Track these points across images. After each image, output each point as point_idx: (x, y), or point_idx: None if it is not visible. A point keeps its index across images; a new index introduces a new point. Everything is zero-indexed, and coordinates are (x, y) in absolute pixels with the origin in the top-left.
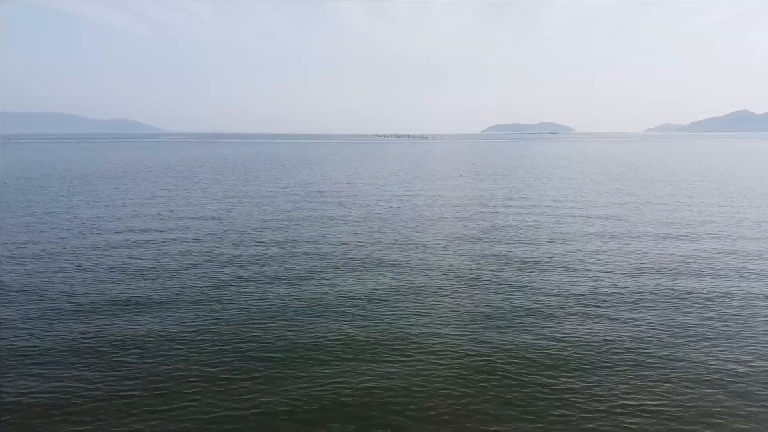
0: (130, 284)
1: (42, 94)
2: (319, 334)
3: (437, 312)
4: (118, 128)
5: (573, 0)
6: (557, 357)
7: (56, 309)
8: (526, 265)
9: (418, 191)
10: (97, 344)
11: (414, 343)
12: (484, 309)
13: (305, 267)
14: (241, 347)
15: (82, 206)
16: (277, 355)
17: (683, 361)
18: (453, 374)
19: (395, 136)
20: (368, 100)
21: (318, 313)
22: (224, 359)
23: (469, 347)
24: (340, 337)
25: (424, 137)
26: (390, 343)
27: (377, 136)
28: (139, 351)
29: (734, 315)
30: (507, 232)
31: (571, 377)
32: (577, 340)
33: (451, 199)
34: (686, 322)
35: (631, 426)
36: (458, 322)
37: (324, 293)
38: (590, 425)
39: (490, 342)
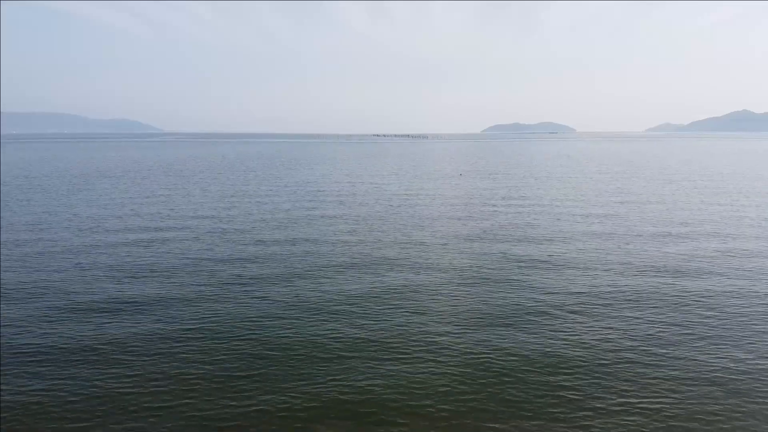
0: (130, 283)
1: (42, 94)
2: (318, 333)
3: (436, 310)
4: (118, 128)
5: (573, 0)
6: (556, 355)
7: (56, 307)
8: (526, 264)
9: (417, 190)
10: (97, 343)
11: (413, 341)
12: (483, 307)
13: (305, 266)
14: (240, 346)
15: (82, 205)
16: (276, 354)
17: (683, 359)
18: (452, 372)
19: (395, 135)
20: (368, 100)
21: (317, 312)
22: (223, 358)
23: (468, 345)
24: (339, 335)
25: (424, 137)
26: (389, 341)
27: (377, 135)
28: (139, 349)
29: (734, 314)
30: (506, 230)
31: (570, 375)
32: (577, 339)
33: (450, 198)
34: (686, 320)
35: (631, 424)
36: (457, 321)
37: (323, 292)
38: (589, 423)
39: (489, 340)
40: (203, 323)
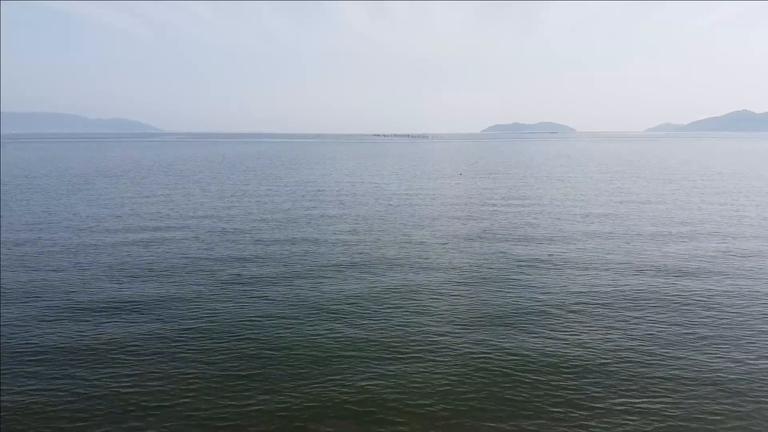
0: (129, 283)
1: (42, 94)
2: (318, 333)
3: (436, 310)
4: (118, 128)
5: (573, 0)
6: (556, 355)
7: (55, 307)
8: (526, 264)
9: (417, 190)
10: (96, 343)
11: (413, 341)
12: (483, 307)
13: (304, 265)
14: (239, 345)
15: (82, 205)
16: (275, 354)
17: (683, 359)
18: (452, 372)
19: (395, 135)
20: (368, 100)
21: (317, 312)
22: (223, 357)
23: (468, 345)
24: (338, 335)
25: (424, 137)
26: (389, 341)
27: (377, 135)
28: (138, 349)
29: (734, 314)
30: (506, 230)
31: (570, 375)
32: (576, 339)
33: (450, 198)
34: (686, 320)
35: (631, 424)
36: (457, 321)
37: (323, 291)
38: (589, 423)
39: (489, 340)
40: (202, 323)
